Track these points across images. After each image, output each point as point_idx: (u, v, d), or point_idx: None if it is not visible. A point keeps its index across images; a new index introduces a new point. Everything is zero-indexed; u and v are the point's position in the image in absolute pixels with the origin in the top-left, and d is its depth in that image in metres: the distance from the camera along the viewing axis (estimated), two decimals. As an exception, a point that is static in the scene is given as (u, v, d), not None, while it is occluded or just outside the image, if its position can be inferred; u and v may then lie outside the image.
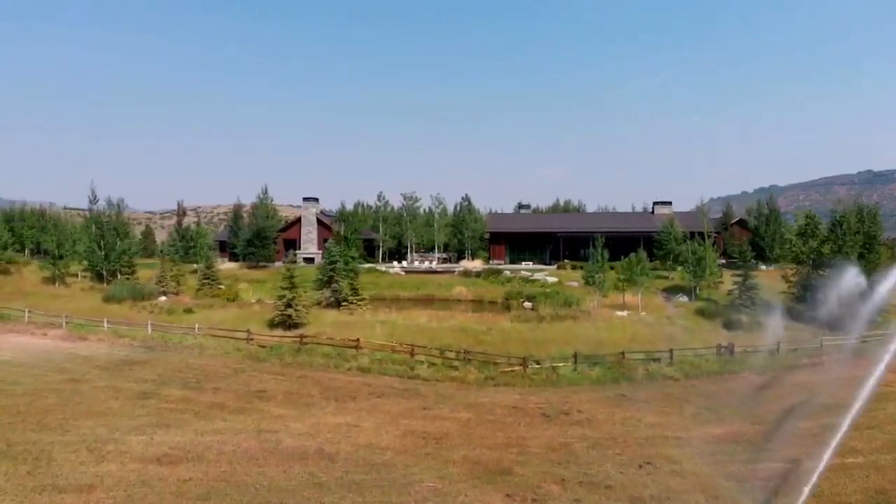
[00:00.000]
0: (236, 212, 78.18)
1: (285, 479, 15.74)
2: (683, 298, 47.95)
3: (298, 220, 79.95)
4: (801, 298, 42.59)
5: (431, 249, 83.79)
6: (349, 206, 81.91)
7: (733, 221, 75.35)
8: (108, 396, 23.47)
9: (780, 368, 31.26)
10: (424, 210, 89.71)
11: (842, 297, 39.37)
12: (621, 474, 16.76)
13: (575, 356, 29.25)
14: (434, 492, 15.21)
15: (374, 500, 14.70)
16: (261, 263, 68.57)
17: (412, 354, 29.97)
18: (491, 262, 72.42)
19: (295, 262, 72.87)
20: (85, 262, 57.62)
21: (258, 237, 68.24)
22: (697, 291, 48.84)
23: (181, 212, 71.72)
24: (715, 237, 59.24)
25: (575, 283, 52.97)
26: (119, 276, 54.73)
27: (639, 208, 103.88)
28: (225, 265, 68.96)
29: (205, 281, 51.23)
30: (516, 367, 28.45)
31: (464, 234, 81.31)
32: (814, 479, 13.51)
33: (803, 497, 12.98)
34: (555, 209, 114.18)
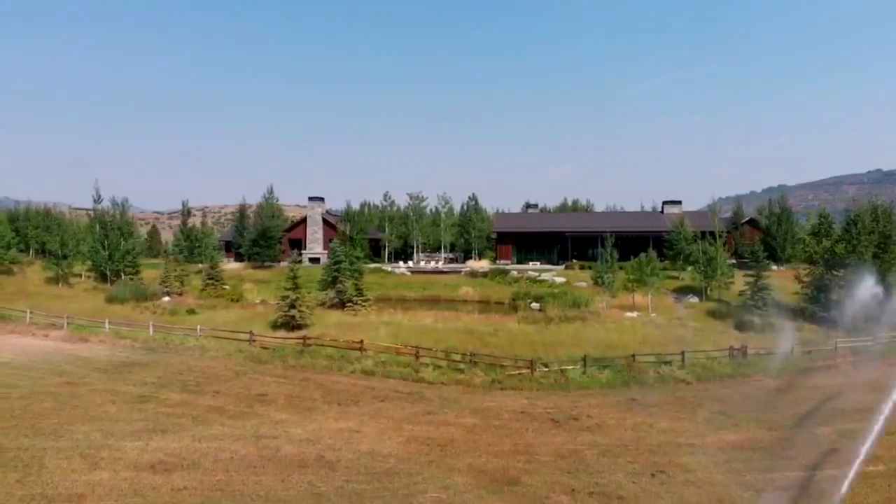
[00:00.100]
0: (242, 212, 77.79)
1: (283, 489, 15.13)
2: (694, 299, 47.08)
3: (304, 220, 79.44)
4: (815, 299, 41.67)
5: (438, 249, 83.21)
6: (355, 206, 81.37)
7: (744, 221, 74.27)
8: (106, 400, 22.94)
9: (795, 371, 30.39)
10: (431, 210, 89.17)
11: (857, 299, 38.61)
12: (633, 484, 16.05)
13: (584, 359, 28.48)
14: (438, 503, 14.56)
15: (375, 511, 14.10)
16: (266, 263, 68.12)
17: (417, 357, 29.32)
18: (498, 262, 71.69)
19: (300, 261, 72.54)
20: (89, 263, 57.30)
21: (263, 237, 67.79)
22: (708, 292, 47.96)
23: (186, 212, 71.33)
24: (726, 237, 58.32)
25: (583, 284, 52.22)
26: (123, 277, 54.36)
27: (646, 208, 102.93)
28: (230, 265, 68.60)
29: (209, 281, 50.80)
30: (524, 370, 27.72)
31: (470, 234, 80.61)
32: (844, 489, 12.81)
33: None
34: (562, 208, 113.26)
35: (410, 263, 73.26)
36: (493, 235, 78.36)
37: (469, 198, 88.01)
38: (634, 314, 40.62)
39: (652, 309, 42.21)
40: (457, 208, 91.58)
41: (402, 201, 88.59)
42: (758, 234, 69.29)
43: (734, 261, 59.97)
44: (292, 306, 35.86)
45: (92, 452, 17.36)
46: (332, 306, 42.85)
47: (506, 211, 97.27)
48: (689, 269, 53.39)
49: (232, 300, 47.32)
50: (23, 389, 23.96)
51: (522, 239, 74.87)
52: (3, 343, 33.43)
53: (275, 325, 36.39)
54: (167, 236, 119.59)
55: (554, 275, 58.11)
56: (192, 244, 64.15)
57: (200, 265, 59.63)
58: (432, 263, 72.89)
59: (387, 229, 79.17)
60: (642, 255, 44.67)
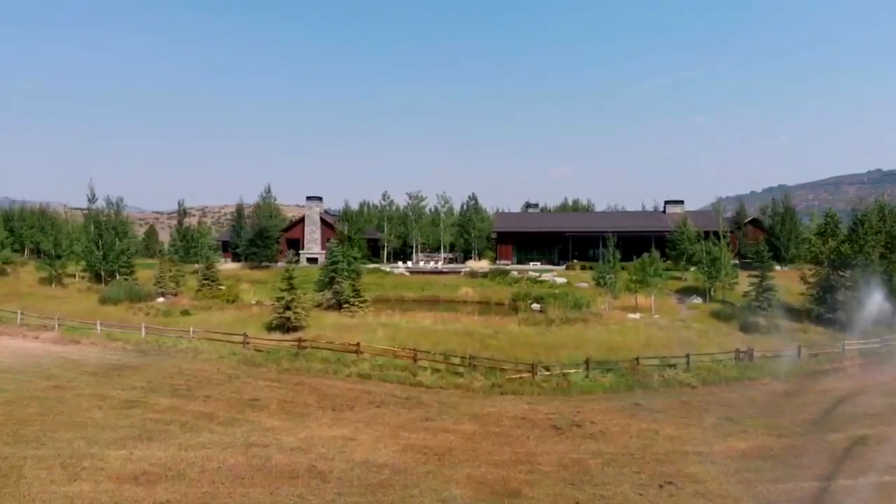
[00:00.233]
0: (239, 211, 77.05)
1: (271, 502, 14.34)
2: (697, 300, 46.31)
3: (302, 220, 78.72)
4: (821, 300, 40.92)
5: (437, 249, 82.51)
6: (354, 206, 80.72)
7: (747, 221, 73.46)
8: (93, 405, 22.16)
9: (802, 374, 29.65)
10: (430, 209, 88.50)
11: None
12: (640, 496, 15.28)
13: (587, 362, 27.68)
14: (434, 517, 13.80)
15: (368, 527, 13.31)
16: (263, 264, 67.39)
17: (415, 360, 28.50)
18: (498, 262, 70.95)
19: (298, 261, 71.76)
20: (83, 263, 56.53)
21: (260, 237, 67.05)
22: (712, 293, 47.20)
23: (182, 211, 70.52)
24: (729, 237, 57.56)
25: (584, 284, 51.46)
26: (118, 277, 53.60)
27: (648, 208, 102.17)
28: (227, 265, 67.86)
29: (204, 282, 50.03)
30: (524, 374, 26.91)
31: (470, 234, 79.87)
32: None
33: None
34: (563, 208, 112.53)
35: (409, 264, 72.53)
36: (493, 235, 77.64)
37: (469, 197, 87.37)
38: (637, 315, 39.83)
39: (655, 310, 41.44)
40: (456, 208, 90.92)
41: (401, 201, 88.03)
42: (761, 234, 68.49)
43: (737, 261, 59.21)
44: (287, 308, 35.05)
45: (73, 462, 16.60)
46: (329, 307, 42.06)
47: (506, 211, 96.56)
48: (692, 269, 52.65)
49: (228, 301, 46.53)
50: (8, 394, 23.18)
51: (523, 239, 74.11)
52: (-8, 345, 32.69)
53: (270, 327, 35.57)
54: (167, 236, 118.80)
55: (555, 275, 57.35)
56: (188, 244, 63.39)
57: (197, 265, 58.86)
58: (431, 264, 72.16)
59: (386, 229, 78.44)
60: (645, 255, 43.89)
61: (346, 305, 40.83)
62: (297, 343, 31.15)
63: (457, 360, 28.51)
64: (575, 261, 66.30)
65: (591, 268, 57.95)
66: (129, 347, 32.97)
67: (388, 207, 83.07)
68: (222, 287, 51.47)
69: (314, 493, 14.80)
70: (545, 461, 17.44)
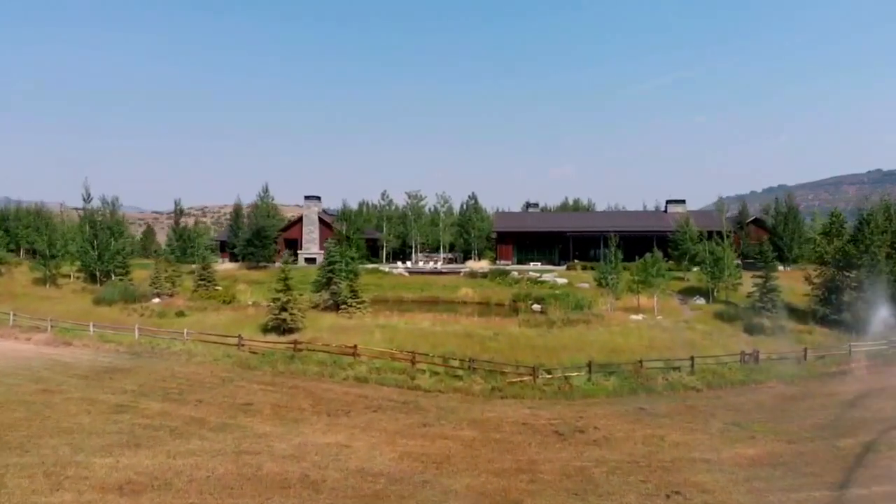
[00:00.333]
0: (236, 211, 76.35)
1: (261, 514, 13.70)
2: (700, 301, 45.65)
3: (300, 220, 78.08)
4: (826, 301, 40.25)
5: (436, 249, 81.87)
6: (353, 206, 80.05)
7: (749, 220, 72.85)
8: (81, 410, 21.51)
9: (809, 377, 29.00)
10: (429, 209, 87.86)
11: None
12: (647, 507, 14.62)
13: (589, 365, 27.00)
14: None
15: (362, 541, 12.64)
16: (261, 264, 66.69)
17: (413, 363, 27.81)
18: (498, 262, 70.32)
19: (296, 261, 71.13)
20: (78, 263, 55.83)
21: (258, 237, 66.35)
22: (715, 293, 46.55)
23: (178, 211, 69.78)
24: (732, 237, 56.94)
25: (586, 285, 50.80)
26: (113, 278, 52.92)
27: (649, 207, 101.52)
28: (224, 265, 67.22)
29: (200, 282, 49.38)
30: (525, 377, 26.23)
31: (470, 234, 79.24)
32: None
33: None
34: (563, 208, 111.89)
35: (409, 264, 71.89)
36: (493, 235, 77.01)
37: (469, 197, 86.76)
38: (640, 317, 39.16)
39: (657, 311, 40.78)
40: (456, 208, 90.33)
41: (400, 201, 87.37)
42: (763, 233, 67.89)
43: (739, 261, 58.60)
44: (283, 309, 34.34)
45: (57, 470, 15.94)
46: (326, 308, 41.39)
47: (506, 210, 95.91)
48: (695, 269, 52.03)
49: (224, 302, 45.85)
50: (-5, 398, 22.56)
51: (523, 239, 73.49)
52: (-18, 347, 32.06)
53: (265, 329, 34.85)
54: (165, 237, 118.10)
55: (555, 276, 56.71)
56: (184, 244, 62.67)
57: (193, 266, 58.22)
58: (431, 264, 71.51)
59: (385, 229, 77.79)
60: (647, 255, 43.23)
61: (343, 306, 40.13)
62: (292, 345, 30.48)
63: (456, 363, 27.85)
64: (576, 261, 65.68)
65: (592, 268, 57.32)
66: (122, 349, 32.32)
67: (387, 207, 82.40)
68: (219, 287, 50.83)
69: (306, 505, 14.15)
70: (547, 470, 16.78)
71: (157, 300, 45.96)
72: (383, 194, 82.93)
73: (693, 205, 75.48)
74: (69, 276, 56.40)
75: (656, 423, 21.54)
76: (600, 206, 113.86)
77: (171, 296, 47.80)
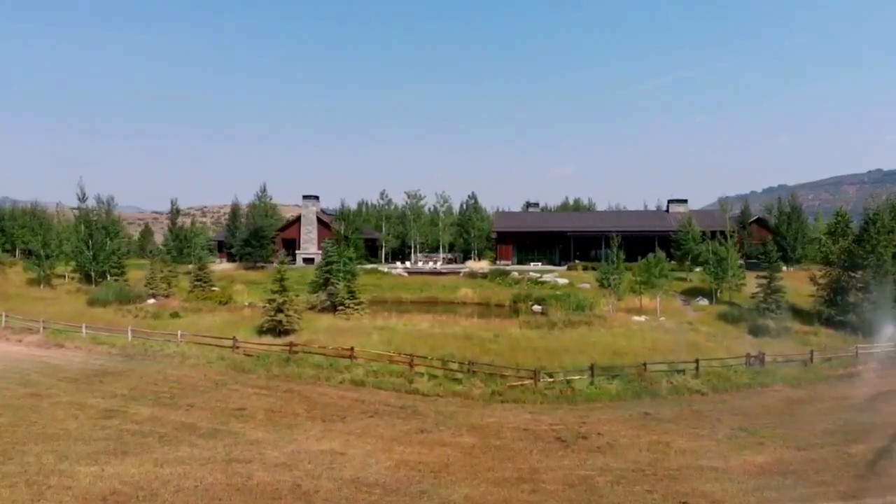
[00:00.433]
0: (234, 211, 75.65)
1: (249, 528, 13.05)
2: (704, 302, 44.99)
3: (298, 220, 77.39)
4: (831, 302, 39.63)
5: (436, 249, 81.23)
6: (352, 206, 79.44)
7: (751, 220, 72.15)
8: (69, 415, 20.87)
9: (816, 380, 28.37)
10: (429, 209, 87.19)
11: (878, 302, 36.61)
12: (655, 519, 13.97)
13: (591, 368, 26.31)
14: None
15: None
16: (258, 264, 65.98)
17: (411, 365, 27.12)
18: (498, 262, 69.68)
19: (293, 261, 70.44)
20: (73, 263, 55.15)
21: (255, 237, 65.62)
22: (718, 294, 45.88)
23: (175, 210, 69.01)
24: (735, 236, 56.32)
25: (587, 286, 50.14)
26: (109, 278, 52.26)
27: (649, 207, 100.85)
28: (221, 266, 66.57)
29: (196, 283, 48.71)
30: (526, 381, 25.53)
31: (470, 234, 78.59)
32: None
33: None
34: (564, 208, 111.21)
35: (408, 264, 71.23)
36: (493, 235, 76.36)
37: (468, 196, 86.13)
38: (642, 318, 38.49)
39: (660, 312, 40.13)
40: (456, 207, 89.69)
41: (399, 200, 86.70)
42: (765, 233, 67.24)
43: (741, 261, 57.97)
44: (279, 310, 33.65)
45: (40, 479, 15.30)
46: (324, 310, 40.69)
47: (506, 210, 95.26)
48: (698, 270, 51.38)
49: (220, 303, 45.20)
50: (-20, 402, 21.92)
51: (523, 239, 72.84)
52: (-28, 349, 31.41)
53: (261, 331, 34.16)
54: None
55: (556, 276, 56.05)
56: (180, 244, 61.97)
57: (190, 266, 57.57)
58: (430, 264, 70.84)
59: (384, 229, 77.12)
60: (650, 255, 42.54)
61: (340, 308, 39.44)
62: (288, 347, 29.80)
63: (455, 366, 27.15)
64: (577, 261, 65.05)
65: (593, 268, 56.70)
66: (115, 352, 31.69)
67: (386, 207, 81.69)
68: (215, 288, 50.21)
69: (297, 518, 13.51)
70: (550, 479, 16.11)
71: (152, 301, 45.33)
72: (382, 194, 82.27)
73: (693, 205, 74.86)
74: (64, 276, 55.74)
75: (661, 428, 20.89)
76: (601, 206, 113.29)
77: (166, 296, 47.17)
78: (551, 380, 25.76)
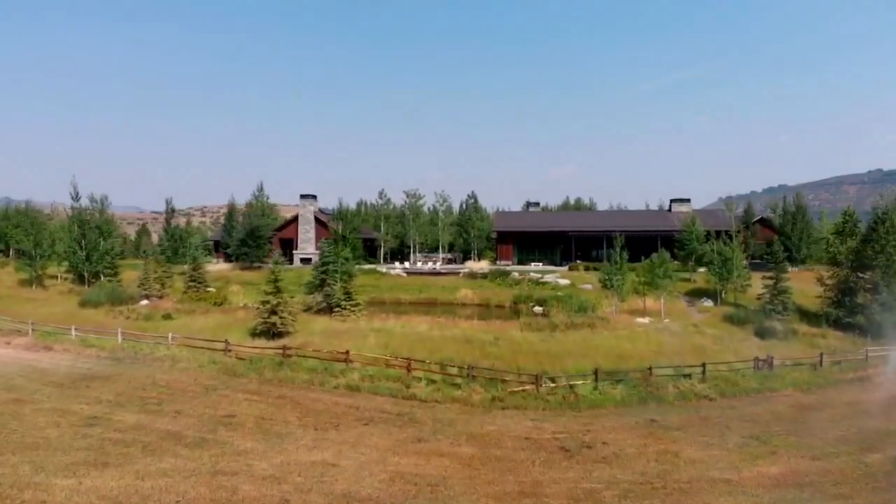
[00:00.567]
0: (230, 210, 74.73)
1: (232, 549, 12.14)
2: (708, 303, 44.08)
3: (295, 219, 76.47)
4: (839, 303, 38.75)
5: (435, 249, 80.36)
6: (351, 205, 78.53)
7: (755, 220, 71.29)
8: (50, 422, 19.96)
9: (826, 385, 27.46)
10: (428, 208, 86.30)
11: (887, 303, 35.71)
12: (666, 538, 13.07)
13: (595, 372, 25.38)
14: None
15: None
16: (255, 264, 65.05)
17: (409, 370, 26.19)
18: (498, 262, 68.78)
19: (291, 262, 69.51)
20: (65, 264, 54.22)
21: (252, 236, 64.65)
22: (723, 295, 44.97)
23: (170, 210, 68.06)
24: (740, 236, 55.46)
25: (589, 286, 49.22)
26: (102, 279, 51.33)
27: (651, 207, 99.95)
28: (217, 266, 65.65)
29: (191, 283, 47.80)
30: (528, 386, 24.60)
31: (469, 234, 77.70)
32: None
33: None
34: (565, 207, 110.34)
35: (407, 264, 70.31)
36: (494, 235, 75.48)
37: (468, 196, 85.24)
38: (646, 320, 37.57)
39: (664, 314, 39.19)
40: (455, 207, 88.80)
41: (398, 200, 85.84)
42: (769, 233, 66.42)
43: (745, 262, 57.12)
44: (273, 312, 32.70)
45: (13, 493, 14.39)
46: (320, 311, 39.73)
47: (506, 210, 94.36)
48: (701, 270, 50.48)
49: (215, 304, 44.30)
50: (-40, 409, 21.02)
51: (524, 239, 71.93)
52: (-43, 352, 30.51)
53: (254, 333, 33.21)
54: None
55: (557, 276, 55.15)
56: (175, 244, 61.01)
57: (186, 266, 56.65)
58: (430, 264, 69.92)
59: (382, 229, 76.21)
60: (654, 255, 41.54)
61: (337, 309, 38.47)
62: (281, 351, 28.88)
63: (454, 370, 26.23)
64: (578, 261, 64.17)
65: (595, 269, 55.82)
66: (104, 355, 30.77)
67: (385, 206, 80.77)
68: (211, 289, 49.31)
69: (283, 537, 12.59)
70: (553, 493, 15.19)
71: (145, 302, 44.44)
72: (381, 193, 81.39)
73: (695, 204, 73.97)
74: (57, 277, 54.83)
75: (669, 436, 19.99)
76: (602, 206, 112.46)
77: (160, 297, 46.27)
78: (554, 385, 24.86)
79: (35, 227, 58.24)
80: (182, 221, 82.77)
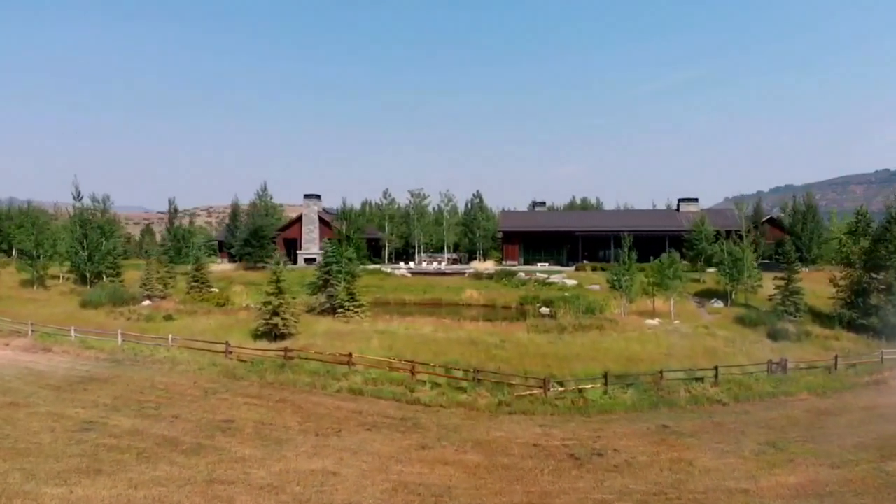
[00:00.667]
0: (234, 210, 74.30)
1: (225, 565, 11.52)
2: (718, 304, 43.25)
3: (299, 219, 75.95)
4: (852, 304, 37.89)
5: (440, 249, 79.68)
6: (356, 205, 78.01)
7: (764, 220, 70.38)
8: (44, 427, 19.41)
9: (842, 389, 26.67)
10: (433, 208, 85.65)
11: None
12: (683, 555, 12.38)
13: (605, 376, 24.66)
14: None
15: None
16: (259, 264, 64.55)
17: (413, 373, 25.53)
18: (504, 262, 68.10)
19: (294, 262, 69.00)
20: (67, 264, 53.80)
21: (255, 236, 64.15)
22: (733, 296, 44.15)
23: (173, 210, 67.53)
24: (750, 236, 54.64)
25: (597, 287, 48.47)
26: (104, 279, 50.90)
27: (658, 206, 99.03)
28: (220, 266, 65.21)
29: (193, 284, 47.28)
30: (535, 390, 23.93)
31: (475, 234, 77.10)
32: None
33: None
34: (571, 207, 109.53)
35: (411, 264, 69.71)
36: (499, 235, 74.79)
37: (473, 196, 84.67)
38: (656, 321, 36.80)
39: (674, 315, 38.42)
40: (461, 207, 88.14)
41: (403, 200, 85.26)
42: (779, 233, 65.53)
43: (756, 262, 56.29)
44: (275, 313, 32.09)
45: (2, 502, 13.83)
46: (323, 312, 39.11)
47: (512, 209, 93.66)
48: (711, 270, 49.66)
49: (218, 304, 43.75)
50: (-47, 413, 20.51)
51: (530, 239, 71.21)
52: (-46, 354, 30.04)
53: (256, 334, 32.62)
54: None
55: (564, 277, 54.40)
56: (178, 244, 60.57)
57: (189, 266, 56.17)
58: (434, 264, 69.28)
59: (387, 228, 75.65)
60: (663, 255, 40.76)
61: (340, 310, 37.85)
62: (283, 353, 28.28)
63: (460, 374, 25.60)
64: (585, 262, 63.42)
65: (602, 269, 55.08)
66: (103, 357, 30.25)
67: (389, 206, 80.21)
68: (214, 289, 48.80)
69: (280, 552, 11.97)
70: (563, 504, 14.54)
71: (147, 303, 43.96)
72: (385, 192, 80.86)
73: (702, 203, 73.09)
74: (58, 277, 54.43)
75: (682, 443, 19.27)
76: (609, 205, 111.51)
77: (162, 298, 45.78)
78: (562, 389, 24.18)
79: (36, 227, 57.82)
80: (186, 221, 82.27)
